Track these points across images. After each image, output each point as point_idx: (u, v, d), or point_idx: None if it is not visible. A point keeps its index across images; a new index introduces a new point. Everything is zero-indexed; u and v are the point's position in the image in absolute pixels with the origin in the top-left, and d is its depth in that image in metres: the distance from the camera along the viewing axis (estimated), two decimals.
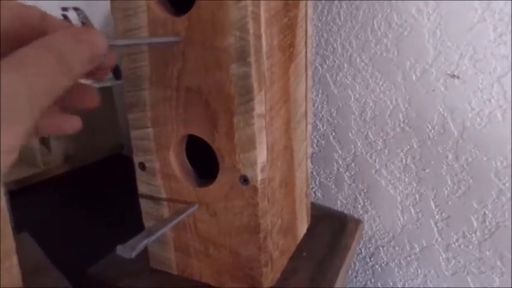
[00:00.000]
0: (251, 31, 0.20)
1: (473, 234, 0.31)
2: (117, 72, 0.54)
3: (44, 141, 0.53)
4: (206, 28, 0.21)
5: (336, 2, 0.33)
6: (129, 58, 0.24)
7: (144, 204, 0.28)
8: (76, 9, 0.57)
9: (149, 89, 0.24)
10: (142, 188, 0.28)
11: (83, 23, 0.56)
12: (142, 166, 0.27)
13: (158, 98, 0.24)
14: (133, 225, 0.27)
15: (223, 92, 0.22)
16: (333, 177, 0.38)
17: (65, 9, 0.57)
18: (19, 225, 0.25)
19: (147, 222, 0.29)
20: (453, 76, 0.29)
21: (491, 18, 0.27)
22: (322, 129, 0.38)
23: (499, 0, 0.26)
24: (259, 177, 0.23)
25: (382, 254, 0.36)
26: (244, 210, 0.24)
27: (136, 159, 0.27)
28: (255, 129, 0.22)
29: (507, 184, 0.29)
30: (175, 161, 0.26)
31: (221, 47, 0.21)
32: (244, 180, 0.23)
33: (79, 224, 0.41)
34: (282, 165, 0.27)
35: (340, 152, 0.37)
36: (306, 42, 0.30)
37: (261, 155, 0.23)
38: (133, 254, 0.20)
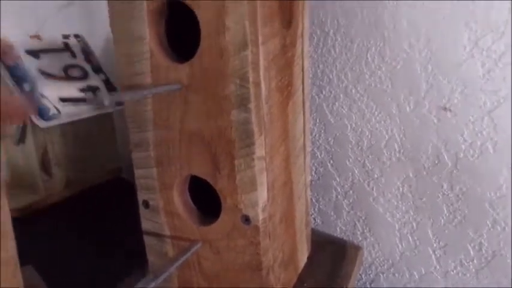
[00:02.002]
0: (251, 79, 0.21)
1: (470, 262, 0.32)
2: None
3: (45, 167, 0.54)
4: (208, 76, 0.22)
5: (331, 34, 0.34)
6: (133, 102, 0.25)
7: (148, 241, 0.29)
8: (76, 36, 0.58)
9: (153, 131, 0.25)
10: (146, 225, 0.28)
11: (84, 50, 0.57)
12: (146, 204, 0.28)
13: (162, 140, 0.25)
14: (136, 252, 0.28)
15: (225, 136, 0.23)
16: (332, 204, 0.39)
17: (66, 36, 0.58)
18: (23, 256, 0.25)
19: (151, 257, 0.29)
20: (445, 109, 0.30)
21: (479, 55, 0.28)
22: (320, 157, 0.38)
23: (486, 38, 0.27)
24: (260, 217, 0.24)
25: (382, 280, 0.37)
26: (246, 248, 0.25)
27: (140, 196, 0.27)
28: (255, 171, 0.23)
29: (501, 214, 0.29)
30: (179, 199, 0.26)
31: (222, 94, 0.22)
32: (246, 220, 0.24)
33: (82, 251, 0.41)
34: (282, 201, 0.27)
35: (338, 179, 0.38)
36: (303, 78, 0.31)
37: (262, 196, 0.24)
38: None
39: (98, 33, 0.61)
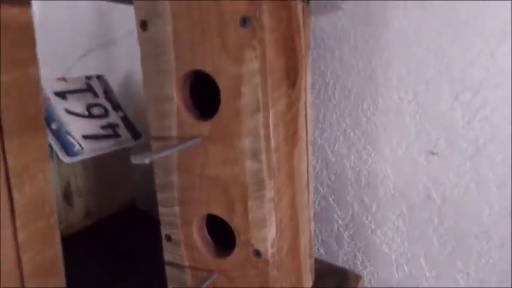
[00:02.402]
0: (262, 137, 0.25)
1: None
2: (135, 133, 0.60)
3: (67, 198, 0.58)
4: (226, 132, 0.26)
5: (331, 84, 0.39)
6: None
7: (169, 271, 0.32)
8: (98, 76, 0.63)
9: (177, 176, 0.29)
10: (167, 257, 0.32)
11: (104, 90, 0.62)
12: (168, 238, 0.31)
13: (184, 183, 0.29)
14: (153, 280, 0.31)
15: (239, 182, 0.27)
16: (334, 236, 0.42)
17: (88, 77, 0.63)
18: None
19: (172, 286, 0.33)
20: (433, 153, 0.34)
21: (460, 107, 0.32)
22: (322, 192, 0.42)
23: (465, 94, 0.32)
24: (270, 251, 0.27)
25: None
26: (257, 278, 0.28)
27: (163, 231, 0.31)
28: (266, 211, 0.27)
29: (485, 248, 0.33)
30: (197, 234, 0.30)
31: (238, 147, 0.26)
32: (257, 254, 0.27)
33: (101, 279, 0.45)
34: (288, 235, 0.31)
35: (339, 212, 0.42)
36: (306, 126, 0.35)
37: (271, 232, 0.27)
38: None
39: (116, 73, 0.66)
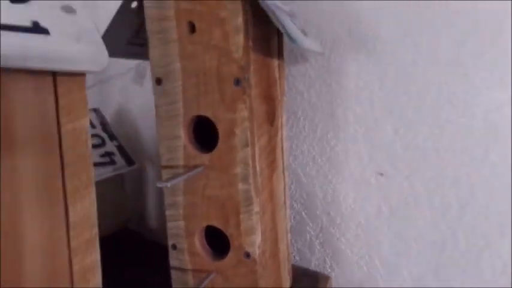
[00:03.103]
0: (250, 165, 0.33)
1: None
2: (129, 160, 0.66)
3: None
4: (222, 162, 0.34)
5: (302, 120, 0.48)
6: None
7: (174, 274, 0.39)
8: (95, 110, 0.70)
9: (182, 196, 0.37)
10: (173, 262, 0.39)
11: (101, 121, 0.69)
12: (174, 247, 0.38)
13: (188, 202, 0.37)
14: None
15: (233, 199, 0.34)
16: (307, 244, 0.51)
17: None
18: None
19: (175, 285, 0.40)
20: (381, 174, 0.43)
21: (398, 139, 0.42)
22: (296, 207, 0.51)
23: (402, 128, 0.41)
24: (257, 253, 0.35)
25: None
26: (247, 275, 0.36)
27: (170, 241, 0.38)
28: (254, 222, 0.35)
29: (421, 248, 0.42)
30: (199, 243, 0.37)
31: (232, 173, 0.34)
32: (247, 255, 0.35)
33: None
34: (270, 242, 0.39)
35: (311, 224, 0.50)
36: (282, 155, 0.43)
37: (258, 238, 0.35)
38: None
39: (110, 107, 0.74)
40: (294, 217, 0.51)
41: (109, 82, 0.72)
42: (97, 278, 0.31)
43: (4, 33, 0.23)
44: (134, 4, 0.34)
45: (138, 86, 0.68)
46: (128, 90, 0.71)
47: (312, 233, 0.50)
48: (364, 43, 0.42)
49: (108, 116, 0.71)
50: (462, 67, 0.37)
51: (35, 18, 0.25)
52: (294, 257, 0.52)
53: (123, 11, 0.35)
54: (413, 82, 0.40)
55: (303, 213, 0.50)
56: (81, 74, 0.28)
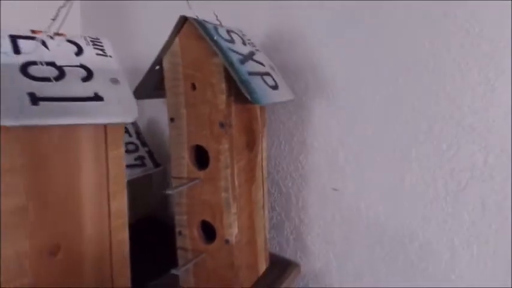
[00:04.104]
0: (229, 180, 0.49)
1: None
2: (156, 163, 0.84)
3: None
4: (212, 177, 0.50)
5: (282, 143, 0.63)
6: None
7: (179, 252, 0.55)
8: (132, 122, 0.88)
9: (185, 198, 0.53)
10: (178, 243, 0.55)
11: (136, 130, 0.87)
12: (180, 233, 0.55)
13: (189, 203, 0.53)
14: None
15: (219, 203, 0.50)
16: (284, 239, 0.66)
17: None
18: None
19: (180, 261, 0.56)
20: (335, 189, 0.58)
21: (345, 164, 0.56)
22: (278, 210, 0.66)
23: (349, 156, 0.55)
24: (234, 241, 0.51)
25: (310, 283, 0.63)
26: (226, 256, 0.51)
27: (177, 229, 0.55)
28: (231, 220, 0.50)
29: (365, 242, 0.56)
30: (196, 231, 0.53)
31: (218, 185, 0.49)
32: (227, 242, 0.51)
33: None
34: (246, 234, 0.55)
35: (287, 223, 0.65)
36: (262, 171, 0.59)
37: (234, 231, 0.51)
38: (180, 271, 0.48)
39: (142, 119, 0.91)
40: (276, 217, 0.66)
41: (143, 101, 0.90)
42: (127, 249, 0.47)
43: (75, 103, 0.40)
44: (157, 67, 0.51)
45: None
46: (157, 106, 0.89)
47: (288, 230, 0.65)
48: (325, 90, 0.57)
49: (141, 126, 0.89)
50: (394, 111, 0.51)
51: (96, 90, 0.42)
52: (275, 247, 0.67)
53: (151, 71, 0.51)
54: (359, 123, 0.54)
55: (282, 214, 0.65)
56: (120, 123, 0.44)
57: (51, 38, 0.43)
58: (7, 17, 0.82)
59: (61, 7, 0.46)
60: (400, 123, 0.49)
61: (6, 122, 0.34)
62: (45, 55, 0.41)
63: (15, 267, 0.38)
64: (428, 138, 0.47)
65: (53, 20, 0.46)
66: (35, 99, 0.37)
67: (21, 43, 0.41)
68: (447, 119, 0.45)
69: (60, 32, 0.44)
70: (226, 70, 0.45)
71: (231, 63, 0.44)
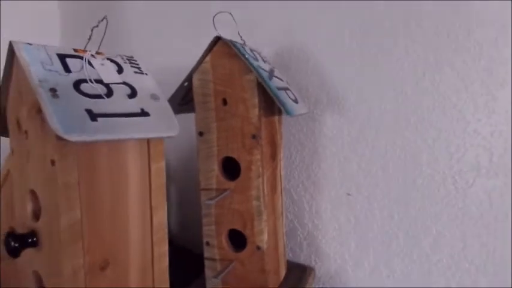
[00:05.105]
0: (261, 189, 0.51)
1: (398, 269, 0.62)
2: None
3: None
4: (243, 186, 0.52)
5: (293, 155, 0.67)
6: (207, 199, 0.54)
7: (207, 263, 0.56)
8: None
9: (214, 209, 0.54)
10: (206, 254, 0.56)
11: None
12: (207, 243, 0.56)
13: (218, 213, 0.54)
14: None
15: (249, 211, 0.52)
16: (297, 245, 0.69)
17: None
18: None
19: (207, 271, 0.57)
20: (348, 194, 0.62)
21: (359, 171, 0.61)
22: (290, 217, 0.69)
23: (362, 168, 0.60)
24: (264, 247, 0.53)
25: (326, 285, 0.66)
26: (258, 261, 0.53)
27: (205, 239, 0.55)
28: (262, 226, 0.52)
29: (377, 244, 0.60)
30: (224, 240, 0.55)
31: (249, 194, 0.52)
32: (258, 248, 0.53)
33: None
34: (272, 241, 0.57)
35: (300, 230, 0.68)
36: (280, 181, 0.61)
37: (265, 237, 0.53)
38: (218, 279, 0.49)
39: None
40: (288, 225, 0.69)
41: None
42: (166, 262, 0.48)
43: (125, 118, 0.41)
44: (186, 83, 0.53)
45: None
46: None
47: (301, 236, 0.68)
48: (336, 103, 0.61)
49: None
50: (403, 123, 0.56)
51: (141, 106, 0.43)
52: (288, 254, 0.69)
53: (180, 88, 0.53)
54: (370, 132, 0.59)
55: (295, 221, 0.68)
56: (162, 138, 0.46)
57: (94, 57, 0.44)
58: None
59: (94, 27, 0.47)
60: (410, 131, 0.54)
61: (72, 138, 0.35)
62: (92, 73, 0.42)
63: (71, 283, 0.38)
64: (437, 144, 0.52)
65: (89, 39, 0.47)
66: (93, 115, 0.38)
67: (69, 62, 0.41)
68: (454, 126, 0.50)
69: (82, 48, 0.45)
70: (257, 86, 0.48)
71: (264, 80, 0.47)
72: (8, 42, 0.41)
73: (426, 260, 0.54)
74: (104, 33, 0.46)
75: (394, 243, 0.57)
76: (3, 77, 0.44)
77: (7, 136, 0.47)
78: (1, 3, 0.85)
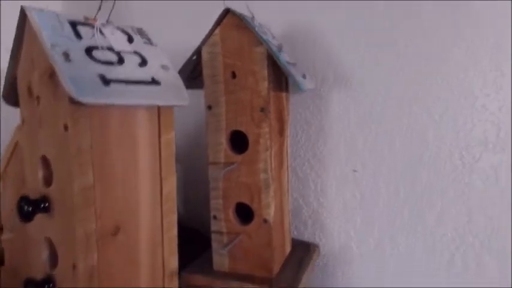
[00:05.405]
0: (269, 162, 0.51)
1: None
2: None
3: None
4: (250, 160, 0.52)
5: (299, 133, 0.67)
6: (215, 172, 0.55)
7: (214, 236, 0.57)
8: None
9: (221, 182, 0.55)
10: (213, 227, 0.56)
11: None
12: (214, 217, 0.56)
13: (226, 186, 0.55)
14: None
15: (257, 185, 0.52)
16: (302, 222, 0.69)
17: None
18: None
19: (214, 244, 0.57)
20: (354, 171, 0.62)
21: (365, 148, 0.61)
22: (295, 196, 0.69)
23: (368, 144, 0.60)
24: (271, 220, 0.53)
25: (330, 263, 0.67)
26: (265, 235, 0.54)
27: (212, 213, 0.56)
28: (270, 200, 0.53)
29: (383, 222, 0.61)
30: (232, 214, 0.55)
31: (256, 167, 0.52)
32: (265, 221, 0.53)
33: None
34: (278, 216, 0.57)
35: (305, 208, 0.68)
36: (287, 158, 0.62)
37: (272, 210, 0.53)
38: (226, 250, 0.49)
39: None
40: (292, 203, 0.69)
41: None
42: (175, 232, 0.48)
43: (137, 85, 0.41)
44: (194, 57, 0.53)
45: None
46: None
47: (306, 214, 0.68)
48: (343, 80, 0.61)
49: None
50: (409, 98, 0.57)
51: (152, 75, 0.43)
52: (293, 232, 0.70)
53: (188, 61, 0.53)
54: (378, 109, 0.59)
55: (300, 200, 0.69)
56: (172, 106, 0.46)
57: (104, 26, 0.44)
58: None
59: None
60: (417, 107, 0.54)
61: (87, 100, 0.35)
62: (103, 41, 0.42)
63: (84, 247, 0.39)
64: (444, 119, 0.52)
65: (99, 9, 0.46)
66: (105, 80, 0.38)
67: (80, 29, 0.41)
68: (462, 101, 0.51)
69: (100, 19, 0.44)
70: (268, 58, 0.48)
71: (274, 52, 0.47)
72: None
73: (431, 235, 0.54)
74: (112, 7, 0.46)
75: (399, 219, 0.57)
76: (13, 44, 0.44)
77: (17, 106, 0.47)
78: None
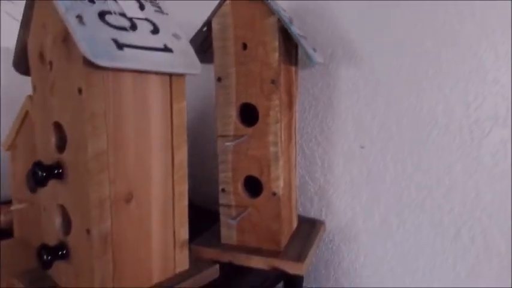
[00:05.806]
0: (278, 135, 0.51)
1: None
2: None
3: None
4: (260, 132, 0.52)
5: (307, 109, 0.67)
6: (223, 145, 0.55)
7: (222, 209, 0.57)
8: None
9: (231, 155, 0.55)
10: (222, 201, 0.57)
11: None
12: (223, 190, 0.56)
13: (235, 159, 0.55)
14: None
15: (266, 158, 0.52)
16: (308, 199, 0.69)
17: None
18: None
19: (222, 218, 0.58)
20: (362, 147, 0.62)
21: (372, 125, 0.61)
22: (301, 172, 0.69)
23: (375, 122, 0.60)
24: (280, 193, 0.53)
25: (335, 239, 0.67)
26: (274, 208, 0.54)
27: (221, 186, 0.56)
28: (279, 172, 0.53)
29: (386, 199, 0.61)
30: (241, 187, 0.55)
31: (266, 140, 0.52)
32: (274, 194, 0.53)
33: None
34: (287, 191, 0.58)
35: (312, 184, 0.69)
36: (295, 132, 0.62)
37: (281, 183, 0.53)
38: (236, 221, 0.50)
39: None
40: (299, 179, 0.70)
41: None
42: (186, 201, 0.49)
43: (149, 52, 0.41)
44: (204, 29, 0.52)
45: None
46: None
47: (312, 190, 0.69)
48: (352, 55, 0.61)
49: None
50: (420, 74, 0.56)
51: (165, 42, 0.43)
52: (299, 208, 0.70)
53: (198, 33, 0.53)
54: (387, 84, 0.59)
55: (306, 176, 0.69)
56: (184, 74, 0.46)
57: None
58: None
59: None
60: (427, 81, 0.54)
61: (102, 62, 0.35)
62: (115, 7, 0.42)
63: (98, 213, 0.39)
64: (454, 93, 0.52)
65: None
66: (119, 44, 0.38)
67: None
68: (472, 75, 0.50)
69: None
70: (279, 30, 0.48)
71: (286, 23, 0.47)
72: None
73: (438, 209, 0.55)
74: None
75: (406, 194, 0.58)
76: (24, 12, 0.44)
77: (28, 74, 0.47)
78: None
